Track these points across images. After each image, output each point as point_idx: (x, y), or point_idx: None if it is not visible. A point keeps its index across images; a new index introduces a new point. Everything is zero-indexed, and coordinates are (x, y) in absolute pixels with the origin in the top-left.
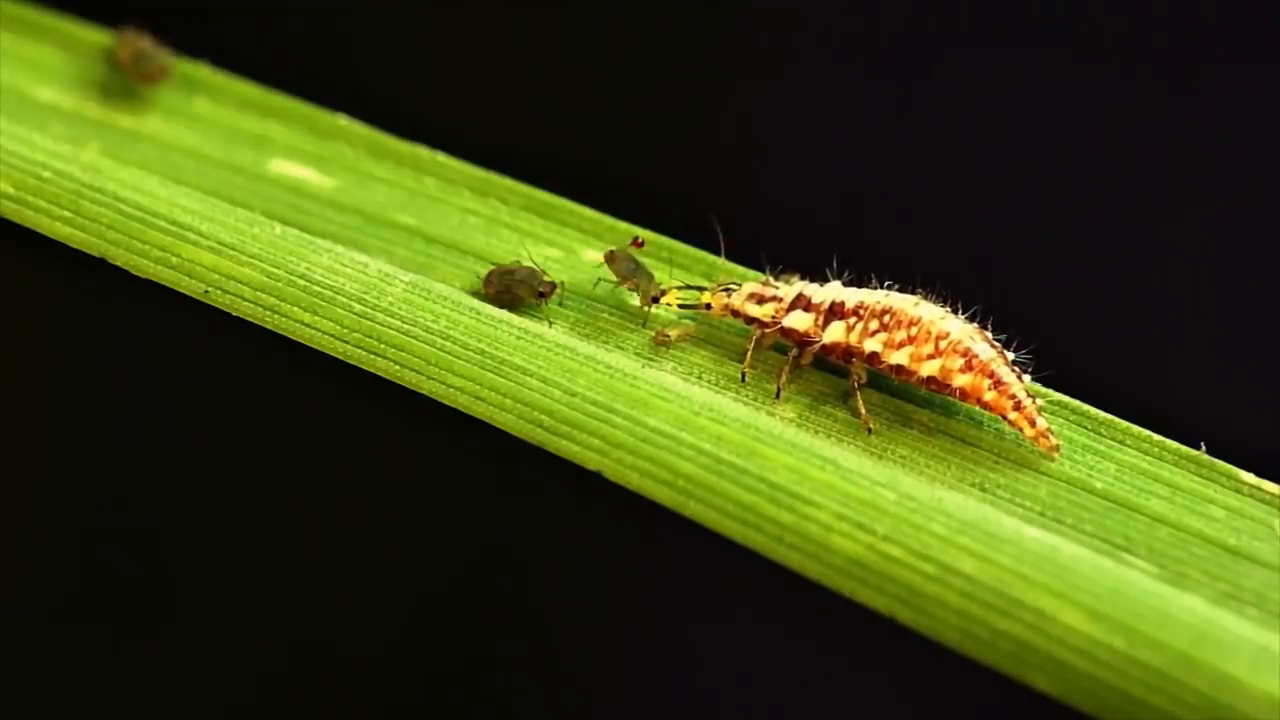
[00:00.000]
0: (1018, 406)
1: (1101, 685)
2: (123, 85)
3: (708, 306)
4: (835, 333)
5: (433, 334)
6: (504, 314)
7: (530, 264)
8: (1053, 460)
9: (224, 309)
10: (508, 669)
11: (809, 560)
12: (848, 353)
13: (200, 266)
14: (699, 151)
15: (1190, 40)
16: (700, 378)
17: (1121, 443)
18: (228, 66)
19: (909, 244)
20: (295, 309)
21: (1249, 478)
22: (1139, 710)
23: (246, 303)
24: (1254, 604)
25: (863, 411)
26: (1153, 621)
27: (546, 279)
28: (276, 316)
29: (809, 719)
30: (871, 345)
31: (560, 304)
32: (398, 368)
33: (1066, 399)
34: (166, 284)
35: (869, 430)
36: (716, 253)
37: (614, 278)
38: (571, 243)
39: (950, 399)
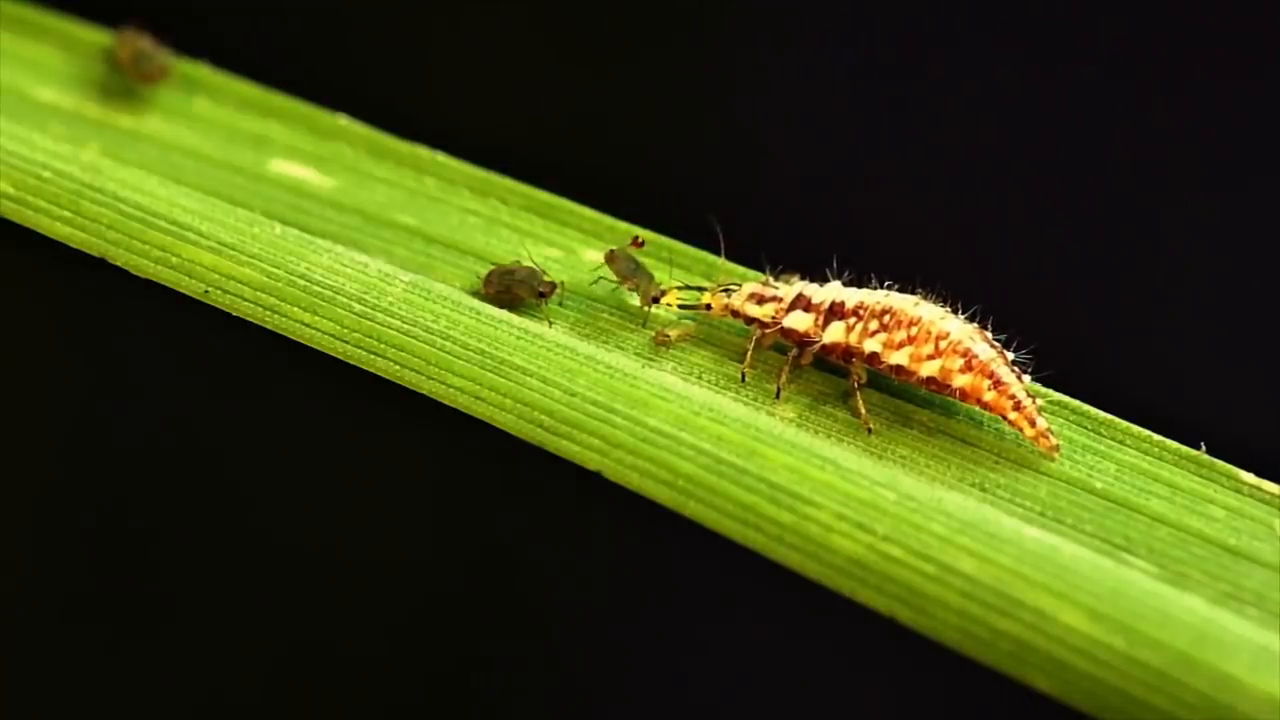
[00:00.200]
0: (1018, 406)
1: (1101, 685)
2: (123, 85)
3: (708, 307)
4: (835, 333)
5: (433, 334)
6: (504, 314)
7: (530, 264)
8: (1053, 460)
9: (224, 309)
10: (507, 669)
11: (809, 560)
12: (848, 353)
13: (200, 266)
14: (699, 151)
15: (1190, 39)
16: (700, 378)
17: (1121, 443)
18: (228, 66)
19: (909, 244)
20: (295, 309)
21: (1249, 478)
22: (1139, 710)
23: (246, 303)
24: (1254, 604)
25: (863, 411)
26: (1153, 621)
27: (546, 279)
28: (276, 316)
29: (809, 719)
30: (871, 345)
31: (560, 304)
32: (398, 368)
33: (1066, 399)
34: (166, 284)
35: (869, 430)
36: (716, 253)
37: (614, 278)
38: (571, 243)
39: (950, 399)
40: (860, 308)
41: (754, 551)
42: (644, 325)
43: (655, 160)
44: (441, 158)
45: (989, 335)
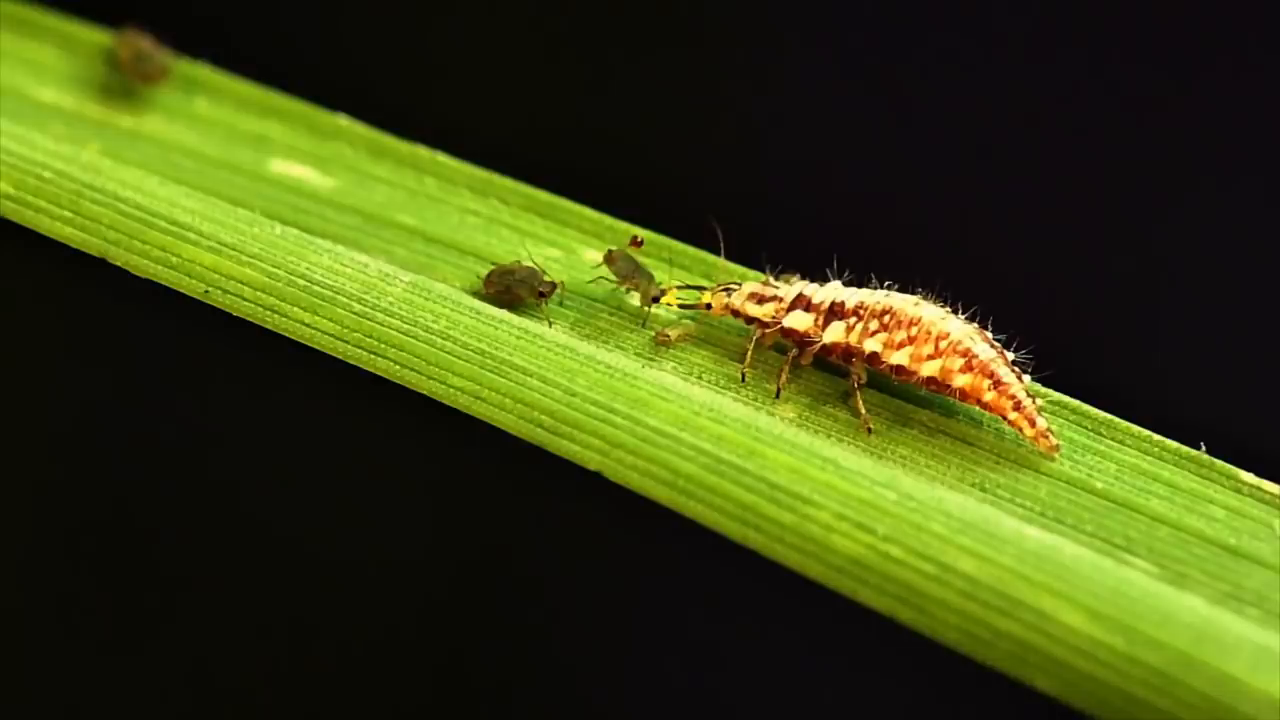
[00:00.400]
0: (1018, 406)
1: (1102, 685)
2: (123, 85)
3: (708, 306)
4: (835, 333)
5: (433, 334)
6: (504, 314)
7: (530, 264)
8: (1053, 460)
9: (224, 309)
10: (507, 668)
11: (809, 560)
12: (848, 353)
13: (200, 266)
14: (699, 151)
15: (1191, 39)
16: (700, 378)
17: (1121, 443)
18: (228, 66)
19: (909, 244)
20: (295, 309)
21: (1249, 478)
22: (1139, 710)
23: (246, 303)
24: (1254, 604)
25: (863, 411)
26: (1153, 621)
27: (546, 279)
28: (276, 316)
29: (809, 719)
30: (871, 345)
31: (560, 304)
32: (398, 368)
33: (1066, 399)
34: (166, 284)
35: (869, 430)
36: (716, 253)
37: (614, 278)
38: (571, 243)
39: (950, 399)
40: (860, 308)
41: (754, 551)
42: (644, 325)
43: (655, 160)
44: (441, 158)
45: (989, 335)
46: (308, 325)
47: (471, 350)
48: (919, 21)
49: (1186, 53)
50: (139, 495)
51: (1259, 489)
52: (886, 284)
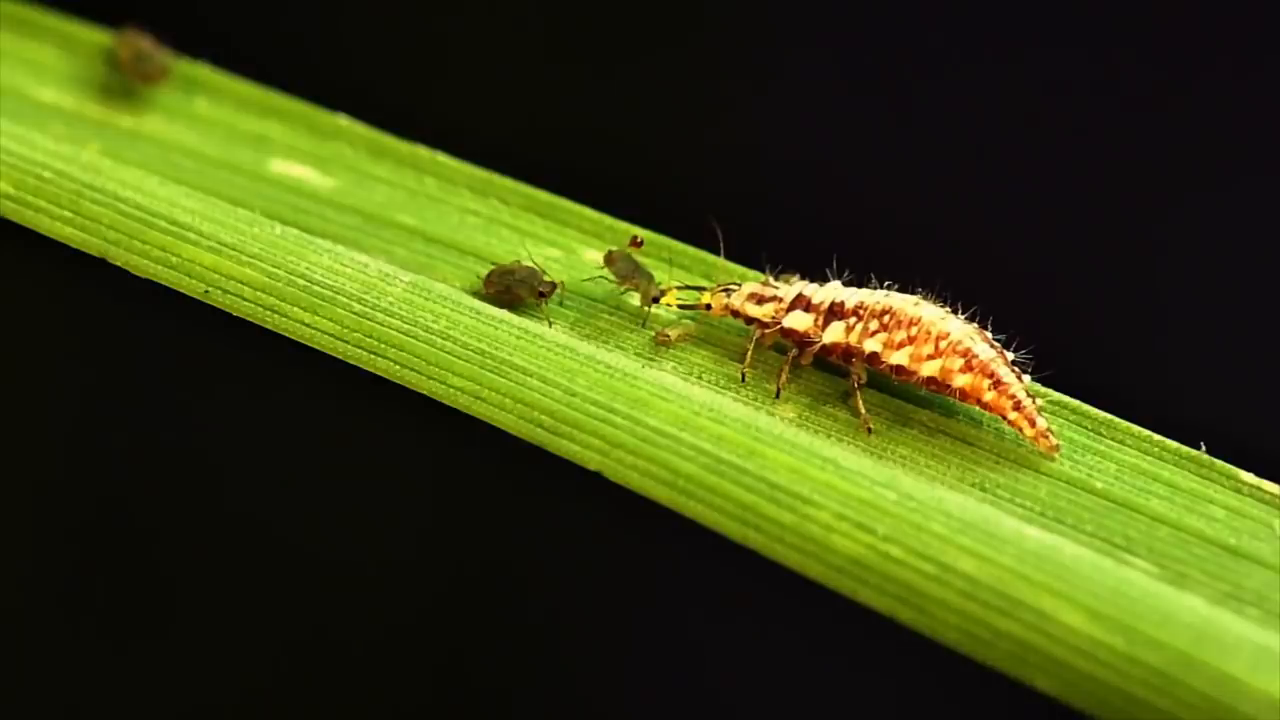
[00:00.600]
0: (1017, 406)
1: (1102, 685)
2: (123, 85)
3: (708, 307)
4: (835, 333)
5: (433, 334)
6: (504, 314)
7: (530, 264)
8: (1053, 460)
9: (224, 309)
10: (507, 668)
11: (809, 560)
12: (848, 353)
13: (200, 266)
14: (699, 151)
15: (1191, 38)
16: (700, 378)
17: (1121, 443)
18: (228, 66)
19: (909, 244)
20: (295, 309)
21: (1249, 478)
22: (1139, 710)
23: (246, 303)
24: (1254, 604)
25: (863, 411)
26: (1153, 621)
27: (546, 279)
28: (276, 316)
29: (809, 719)
30: (871, 345)
31: (560, 304)
32: (398, 368)
33: (1066, 399)
34: (166, 284)
35: (869, 430)
36: (716, 253)
37: (614, 278)
38: (571, 243)
39: (950, 399)
40: (860, 308)
41: (754, 551)
42: (644, 325)
43: (655, 160)
44: (441, 158)
45: (989, 335)
46: (308, 325)
47: (471, 350)
48: (919, 21)
49: (1187, 52)
50: (139, 495)
51: (1259, 489)
52: (886, 284)
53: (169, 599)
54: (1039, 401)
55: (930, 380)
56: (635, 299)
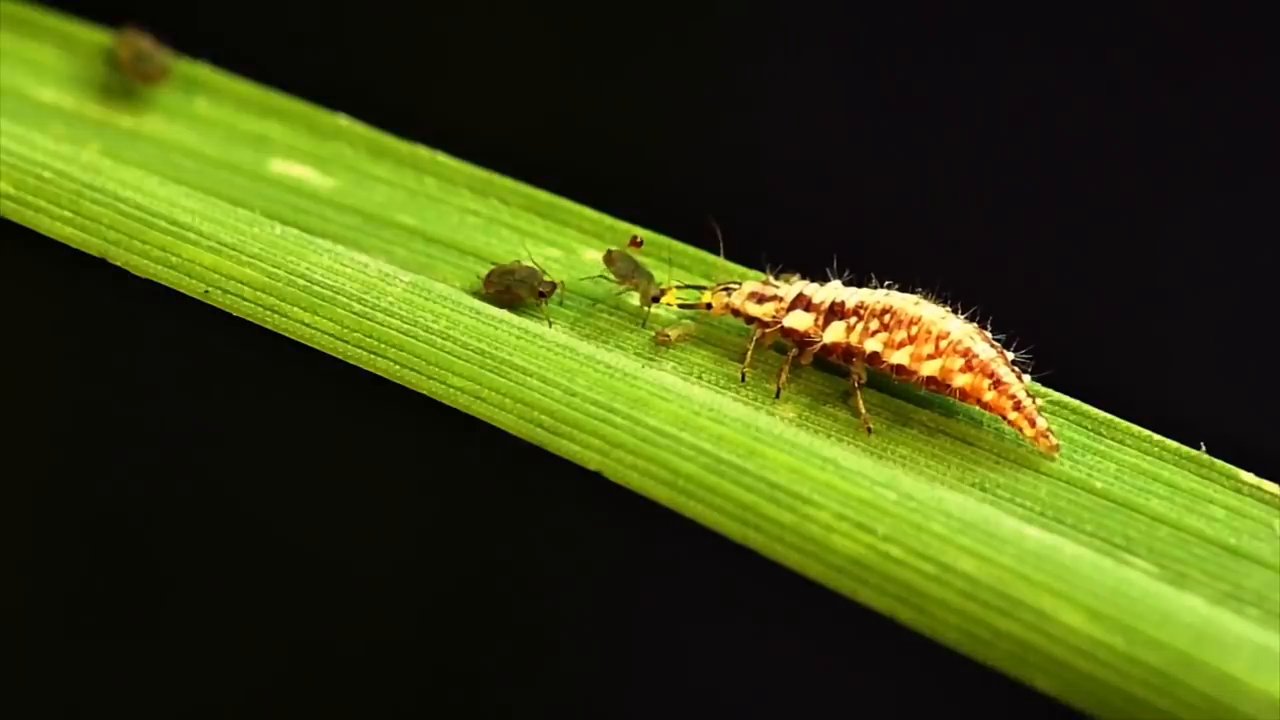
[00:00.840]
0: (1018, 406)
1: (1102, 685)
2: (123, 85)
3: (708, 306)
4: (835, 333)
5: (433, 334)
6: (504, 314)
7: (530, 264)
8: (1053, 460)
9: (224, 309)
10: (507, 669)
11: (809, 560)
12: (848, 353)
13: (200, 266)
14: (699, 151)
15: (1191, 37)
16: (700, 378)
17: (1121, 443)
18: (228, 66)
19: (909, 244)
20: (295, 309)
21: (1249, 478)
22: (1139, 710)
23: (246, 303)
24: (1254, 604)
25: (863, 411)
26: (1153, 621)
27: (546, 279)
28: (276, 316)
29: (808, 719)
30: (872, 345)
31: (560, 304)
32: (398, 368)
33: (1066, 399)
34: (166, 284)
35: (869, 430)
36: (716, 253)
37: (614, 278)
38: (571, 243)
39: (950, 399)
40: (860, 307)
41: (754, 551)
42: (644, 325)
43: (655, 160)
44: (441, 158)
45: (989, 335)
46: (308, 325)
47: (471, 350)
48: (919, 21)
49: (1187, 52)
50: (139, 495)
51: (1259, 489)
52: (886, 284)
53: (169, 599)
54: (1039, 401)
55: (930, 380)
56: (635, 299)
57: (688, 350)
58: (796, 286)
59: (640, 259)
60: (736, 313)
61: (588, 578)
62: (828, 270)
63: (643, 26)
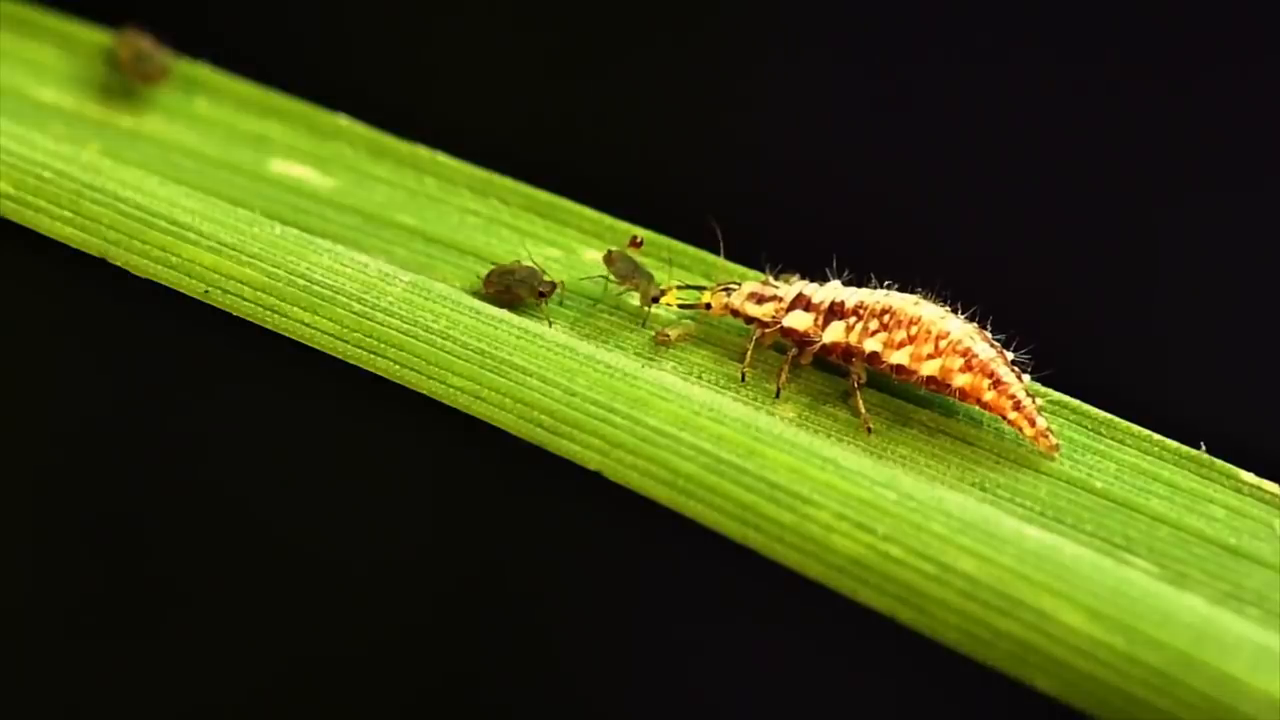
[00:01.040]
0: (1017, 406)
1: (1102, 685)
2: (123, 85)
3: (708, 306)
4: (835, 332)
5: (433, 334)
6: (504, 314)
7: (530, 264)
8: (1052, 460)
9: (224, 309)
10: (507, 668)
11: (809, 560)
12: (847, 352)
13: (200, 266)
14: (699, 151)
15: (1191, 37)
16: (700, 378)
17: (1121, 443)
18: (228, 66)
19: (909, 244)
20: (295, 309)
21: (1249, 478)
22: (1139, 710)
23: (246, 303)
24: (1254, 604)
25: (862, 411)
26: (1153, 621)
27: (546, 279)
28: (276, 316)
29: (808, 719)
30: (871, 345)
31: (560, 304)
32: (398, 368)
33: (1066, 399)
34: (166, 284)
35: (869, 430)
36: (716, 253)
37: (614, 279)
38: (571, 243)
39: (950, 399)
40: (860, 307)
41: (754, 551)
42: (644, 325)
43: (655, 160)
44: (441, 158)
45: (989, 335)
46: (308, 325)
47: (471, 350)
48: (919, 21)
49: (1188, 52)
50: (139, 495)
51: (1259, 489)
52: (886, 283)
53: (169, 599)
54: (1038, 401)
55: (930, 380)
56: (635, 299)
57: (688, 350)
58: (796, 286)
59: (640, 259)
60: (736, 313)
61: (588, 578)
62: (827, 270)
63: (643, 26)
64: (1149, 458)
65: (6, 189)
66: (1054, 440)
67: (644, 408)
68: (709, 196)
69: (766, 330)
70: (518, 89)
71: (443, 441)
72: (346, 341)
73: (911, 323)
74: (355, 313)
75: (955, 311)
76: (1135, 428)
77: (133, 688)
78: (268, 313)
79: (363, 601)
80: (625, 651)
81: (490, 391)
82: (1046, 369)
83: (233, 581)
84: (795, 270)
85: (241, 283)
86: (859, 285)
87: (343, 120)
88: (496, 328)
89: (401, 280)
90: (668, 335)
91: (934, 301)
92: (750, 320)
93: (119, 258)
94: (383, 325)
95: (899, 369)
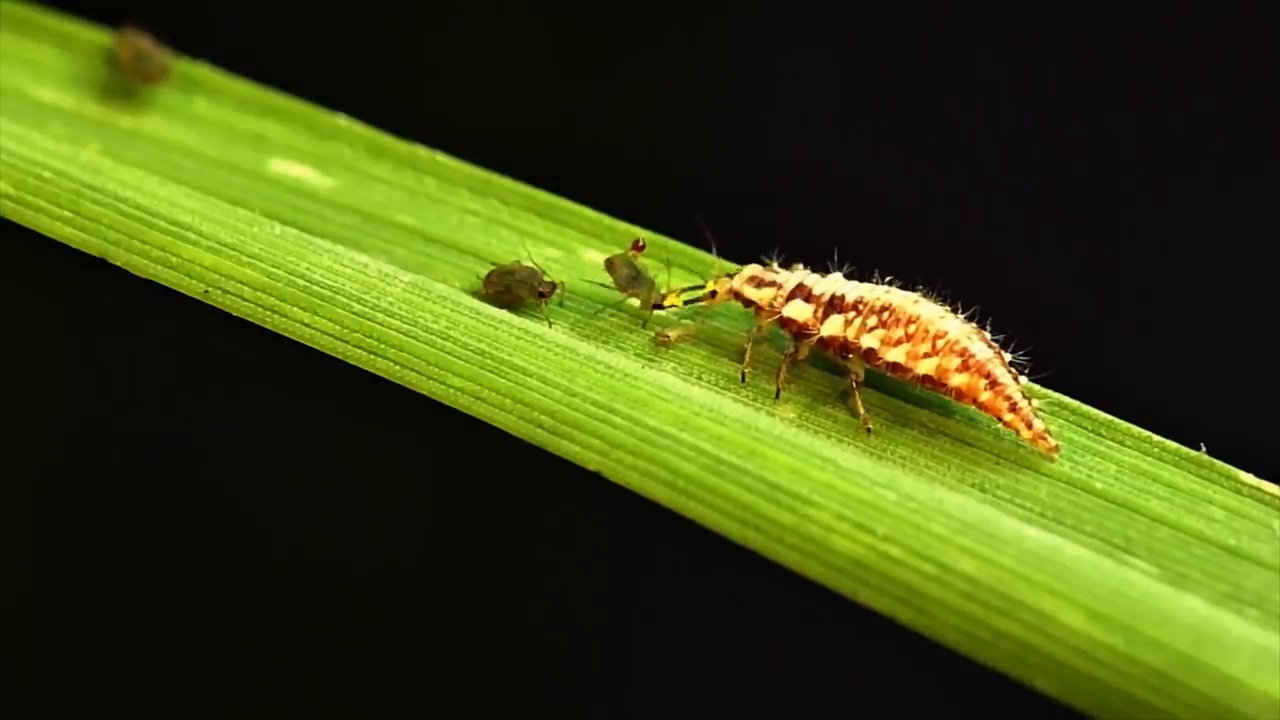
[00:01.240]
0: (1013, 408)
1: (1102, 686)
2: (123, 85)
3: (712, 294)
4: (833, 326)
5: (433, 334)
6: (504, 314)
7: (530, 264)
8: (1052, 461)
9: (224, 309)
10: (506, 668)
11: (809, 560)
12: (844, 347)
13: (200, 266)
14: (699, 151)
15: (1191, 37)
16: (700, 378)
17: (1121, 443)
18: (227, 66)
19: (909, 243)
20: (295, 309)
21: (1249, 478)
22: (1139, 711)
23: (246, 303)
24: (1254, 604)
25: (862, 411)
26: (1153, 622)
27: (546, 279)
28: (276, 316)
29: (808, 719)
30: (869, 341)
31: (560, 304)
32: (398, 368)
33: (1066, 399)
34: (166, 284)
35: (869, 430)
36: (714, 254)
37: (615, 286)
38: (571, 243)
39: (947, 399)
40: (860, 302)
41: (754, 551)
42: (644, 326)
43: (655, 160)
44: (441, 158)
45: (987, 336)
46: (308, 325)
47: (471, 350)
48: (919, 21)
49: (1188, 52)
50: (138, 495)
51: (1259, 489)
52: (888, 279)
53: (169, 599)
54: (1036, 403)
55: (926, 378)
56: (636, 300)
57: (688, 350)
58: (797, 275)
59: (641, 261)
60: (737, 295)
61: (588, 578)
62: (829, 264)
63: (643, 26)
64: (1149, 459)
65: (6, 189)
66: (1052, 442)
67: (644, 408)
68: (709, 197)
69: (764, 317)
70: (518, 89)
71: (443, 441)
72: (346, 342)
73: (910, 321)
74: (355, 313)
75: (955, 311)
76: (1135, 429)
77: (133, 688)
78: (268, 313)
79: (363, 601)
80: (625, 651)
81: (490, 392)
82: (1046, 370)
83: (233, 581)
84: (799, 261)
85: (241, 283)
86: (860, 282)
87: (342, 120)
88: (496, 328)
89: (401, 280)
90: (668, 336)
91: (934, 300)
92: (749, 304)
93: (119, 258)
94: (383, 325)
95: (895, 366)
